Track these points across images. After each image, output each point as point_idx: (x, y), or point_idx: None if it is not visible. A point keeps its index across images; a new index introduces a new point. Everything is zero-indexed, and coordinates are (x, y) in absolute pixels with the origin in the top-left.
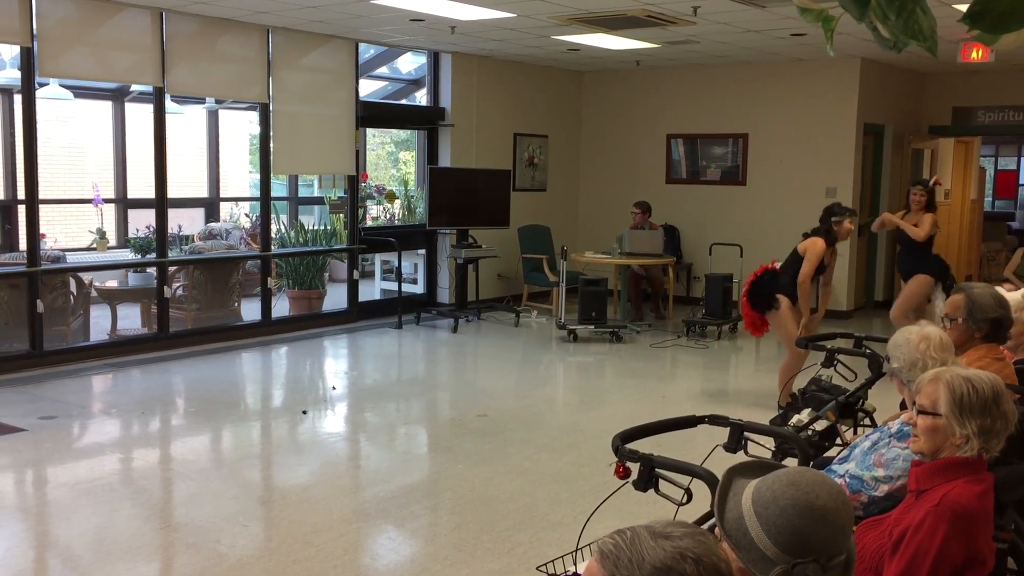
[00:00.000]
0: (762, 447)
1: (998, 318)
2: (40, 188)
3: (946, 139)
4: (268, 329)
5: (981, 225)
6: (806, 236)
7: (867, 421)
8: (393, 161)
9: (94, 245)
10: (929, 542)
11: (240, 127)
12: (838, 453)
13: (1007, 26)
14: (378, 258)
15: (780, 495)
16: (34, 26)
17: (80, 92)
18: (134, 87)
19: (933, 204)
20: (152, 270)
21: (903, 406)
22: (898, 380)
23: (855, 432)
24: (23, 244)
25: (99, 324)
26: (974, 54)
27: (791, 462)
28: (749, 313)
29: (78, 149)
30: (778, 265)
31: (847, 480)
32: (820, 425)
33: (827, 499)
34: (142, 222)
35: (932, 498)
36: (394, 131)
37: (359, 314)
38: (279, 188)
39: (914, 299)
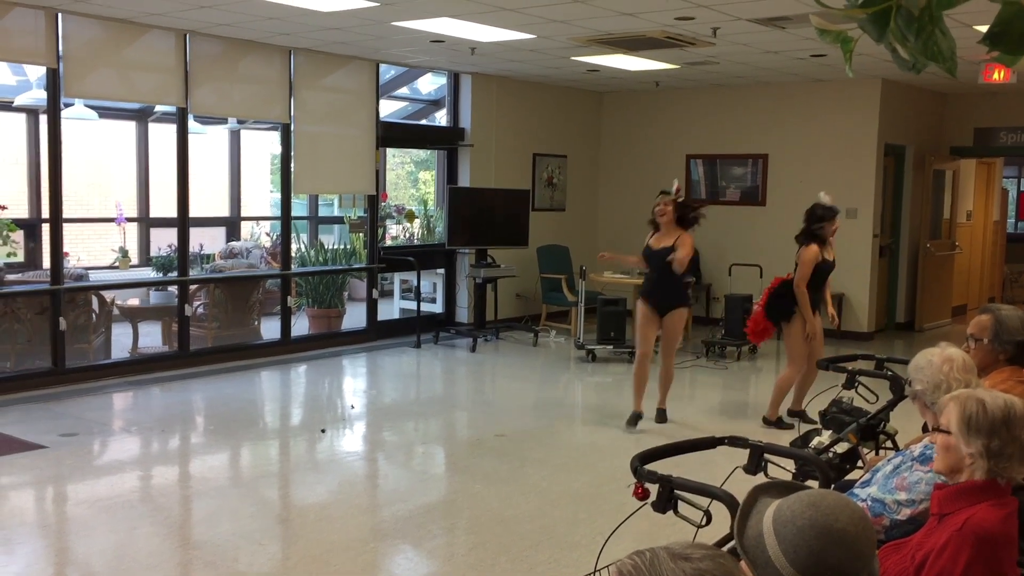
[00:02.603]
0: (782, 469)
1: None
2: (64, 207)
3: (968, 160)
4: (287, 348)
5: (1004, 246)
6: (799, 240)
7: (889, 444)
8: (413, 181)
9: (116, 263)
10: (952, 566)
11: (262, 147)
12: (860, 476)
13: None
14: (397, 277)
15: (799, 515)
16: (60, 47)
17: (105, 112)
18: (158, 107)
19: (688, 219)
20: (173, 288)
21: (925, 429)
22: (920, 402)
23: (877, 454)
24: (47, 262)
25: (120, 342)
26: (995, 75)
27: (812, 485)
28: (760, 321)
29: (102, 168)
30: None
31: (869, 504)
32: (841, 447)
33: (846, 522)
34: (164, 241)
35: (955, 522)
36: (414, 151)
37: (378, 333)
38: (299, 207)
39: (678, 336)
